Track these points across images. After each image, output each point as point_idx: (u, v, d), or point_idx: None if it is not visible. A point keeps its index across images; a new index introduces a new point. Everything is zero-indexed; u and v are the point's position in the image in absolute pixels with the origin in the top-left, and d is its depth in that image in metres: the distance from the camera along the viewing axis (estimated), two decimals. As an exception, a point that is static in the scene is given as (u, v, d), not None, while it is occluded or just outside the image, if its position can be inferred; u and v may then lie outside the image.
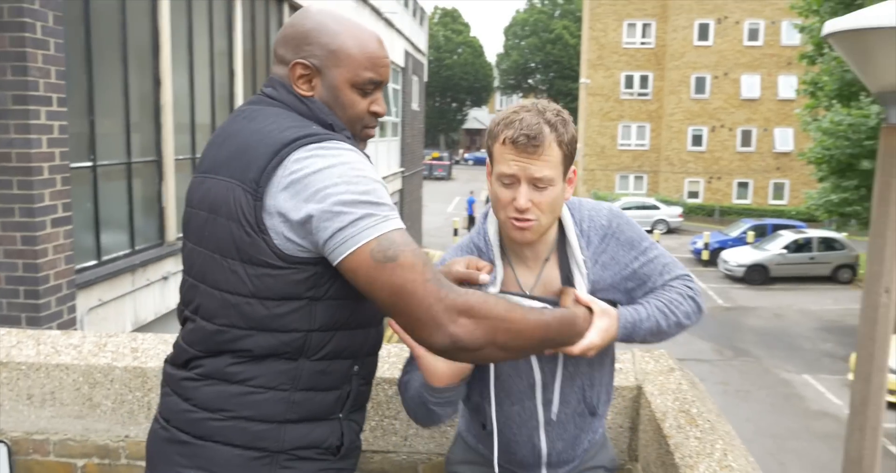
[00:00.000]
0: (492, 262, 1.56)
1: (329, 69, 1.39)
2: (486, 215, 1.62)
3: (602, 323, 1.45)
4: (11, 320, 4.96)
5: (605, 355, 1.59)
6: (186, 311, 1.41)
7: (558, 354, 1.51)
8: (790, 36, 32.97)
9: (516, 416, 1.59)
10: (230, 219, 1.29)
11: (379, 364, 2.15)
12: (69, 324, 5.30)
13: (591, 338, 1.43)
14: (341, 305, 1.33)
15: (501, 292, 1.52)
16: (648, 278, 1.57)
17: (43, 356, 2.19)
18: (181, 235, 1.58)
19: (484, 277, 1.50)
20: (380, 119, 1.53)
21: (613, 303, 1.52)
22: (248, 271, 1.28)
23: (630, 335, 1.49)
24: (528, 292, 1.54)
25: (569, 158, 1.49)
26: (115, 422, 2.14)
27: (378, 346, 1.47)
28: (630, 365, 1.97)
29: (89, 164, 5.90)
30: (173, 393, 1.40)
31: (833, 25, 3.14)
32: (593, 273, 1.53)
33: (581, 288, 1.51)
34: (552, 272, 1.56)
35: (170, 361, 1.46)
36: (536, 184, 1.44)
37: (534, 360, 1.56)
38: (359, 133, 1.46)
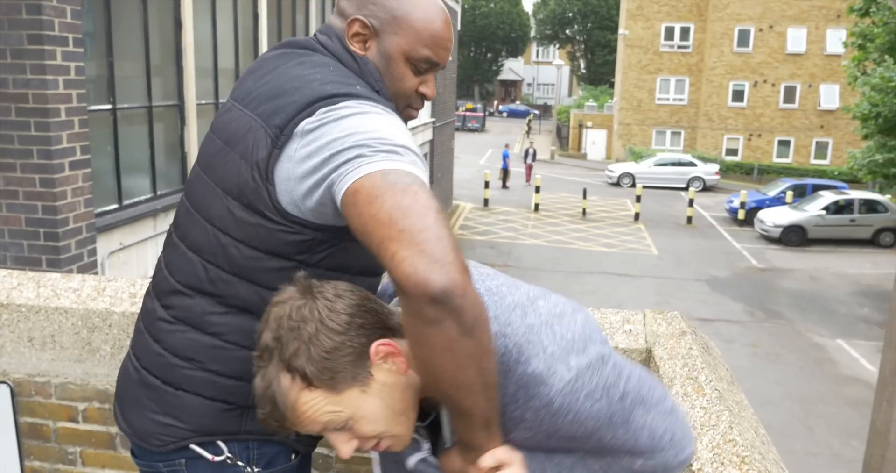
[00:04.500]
0: None
1: (387, 35, 1.31)
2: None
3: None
4: (33, 261, 5.00)
5: None
6: (175, 234, 1.34)
7: None
8: (842, -13, 31.58)
9: None
10: (243, 157, 1.22)
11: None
12: (90, 267, 5.32)
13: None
14: (332, 277, 1.22)
15: None
16: None
17: (42, 299, 2.20)
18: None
19: None
20: None
21: None
22: (244, 216, 1.22)
23: None
24: None
25: (339, 377, 1.05)
26: (113, 367, 2.14)
27: None
28: (641, 327, 1.85)
29: (108, 107, 5.85)
30: (146, 331, 1.34)
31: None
32: None
33: None
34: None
35: (149, 291, 1.39)
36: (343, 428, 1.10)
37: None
38: (401, 110, 1.35)
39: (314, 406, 1.05)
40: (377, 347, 1.06)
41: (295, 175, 1.17)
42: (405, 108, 1.37)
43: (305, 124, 1.17)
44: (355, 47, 1.32)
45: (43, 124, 4.80)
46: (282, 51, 1.35)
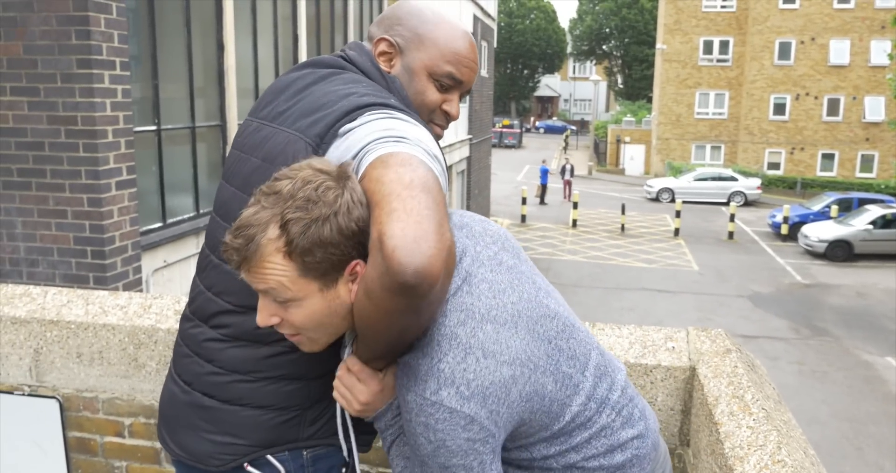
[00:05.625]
0: None
1: (411, 51, 1.38)
2: None
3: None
4: (81, 279, 5.12)
5: None
6: (215, 256, 1.35)
7: None
8: (886, -3, 30.96)
9: None
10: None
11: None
12: (135, 284, 5.43)
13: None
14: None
15: None
16: None
17: (91, 316, 2.24)
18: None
19: None
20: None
21: None
22: None
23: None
24: None
25: (314, 265, 1.08)
26: (158, 383, 2.17)
27: None
28: (684, 345, 1.82)
29: (153, 128, 6.00)
30: (194, 354, 1.35)
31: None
32: None
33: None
34: None
35: (188, 316, 1.40)
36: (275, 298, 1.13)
37: None
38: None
39: (275, 270, 1.07)
40: (356, 265, 1.09)
41: None
42: (428, 123, 1.40)
43: (345, 128, 1.21)
44: (382, 65, 1.38)
45: (91, 146, 4.93)
46: (308, 70, 1.38)
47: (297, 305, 1.11)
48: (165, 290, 6.03)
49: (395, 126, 1.18)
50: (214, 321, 1.33)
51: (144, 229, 5.77)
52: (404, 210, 0.99)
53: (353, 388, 1.21)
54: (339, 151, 1.20)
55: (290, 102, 1.32)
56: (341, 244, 1.06)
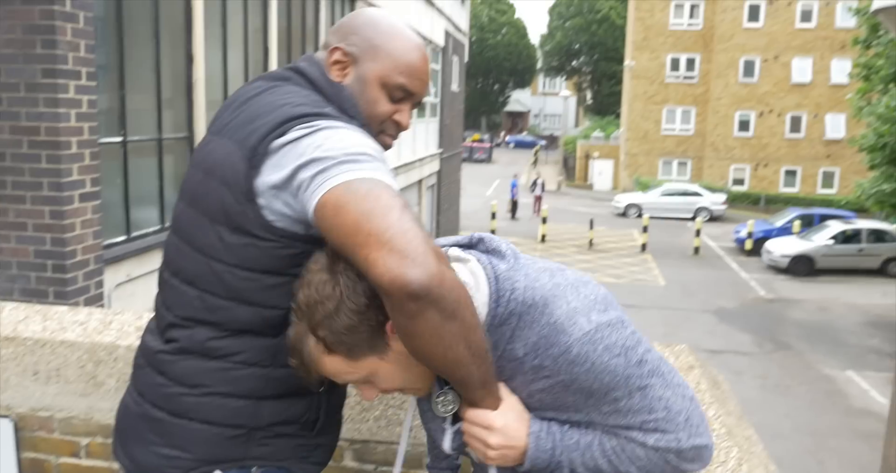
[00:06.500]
0: None
1: (365, 61, 1.37)
2: None
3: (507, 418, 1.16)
4: (40, 293, 5.01)
5: None
6: (166, 272, 1.37)
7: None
8: (845, 18, 31.79)
9: None
10: (224, 183, 1.25)
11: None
12: (96, 299, 5.33)
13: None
14: None
15: None
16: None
17: (49, 332, 2.20)
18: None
19: None
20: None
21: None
22: (235, 240, 1.25)
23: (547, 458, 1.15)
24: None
25: (355, 347, 1.14)
26: (118, 401, 2.11)
27: None
28: (647, 361, 1.84)
29: (119, 139, 5.91)
30: (147, 365, 1.36)
31: (884, 0, 2.92)
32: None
33: None
34: None
35: (149, 328, 1.42)
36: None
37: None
38: (375, 136, 1.38)
39: (335, 368, 1.16)
40: (391, 325, 1.13)
41: (273, 188, 1.21)
42: (379, 133, 1.40)
43: (278, 141, 1.21)
44: (335, 74, 1.37)
45: (54, 157, 4.84)
46: (257, 83, 1.39)
47: (375, 378, 1.18)
48: (128, 305, 5.93)
49: (328, 141, 1.18)
50: (167, 335, 1.34)
51: (108, 242, 5.67)
52: (378, 244, 1.03)
53: (486, 438, 1.16)
54: (274, 169, 1.21)
55: (234, 114, 1.34)
56: (363, 320, 1.12)
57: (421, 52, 1.41)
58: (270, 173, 1.21)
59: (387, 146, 1.43)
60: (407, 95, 1.40)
